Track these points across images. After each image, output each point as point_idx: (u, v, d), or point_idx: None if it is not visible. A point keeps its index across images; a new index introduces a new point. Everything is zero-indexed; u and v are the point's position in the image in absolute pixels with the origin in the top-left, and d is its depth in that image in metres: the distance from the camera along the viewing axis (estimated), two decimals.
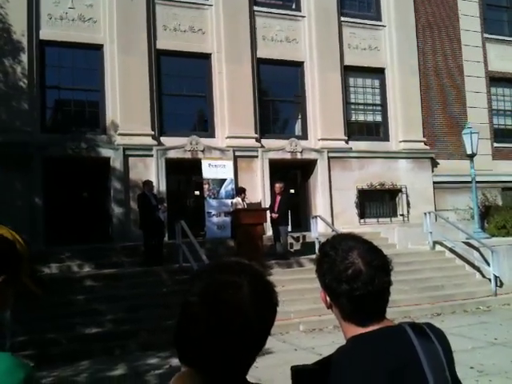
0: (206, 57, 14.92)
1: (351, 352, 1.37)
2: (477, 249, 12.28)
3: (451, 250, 12.91)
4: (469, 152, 13.82)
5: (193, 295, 1.10)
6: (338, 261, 1.41)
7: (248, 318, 1.08)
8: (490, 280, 11.64)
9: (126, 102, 13.60)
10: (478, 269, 12.22)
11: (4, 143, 12.01)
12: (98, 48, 13.84)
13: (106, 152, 13.32)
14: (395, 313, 8.80)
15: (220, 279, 1.11)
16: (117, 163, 13.29)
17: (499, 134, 18.57)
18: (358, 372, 1.31)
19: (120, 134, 13.53)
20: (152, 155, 13.66)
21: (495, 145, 18.14)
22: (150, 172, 13.53)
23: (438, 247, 13.30)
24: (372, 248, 1.45)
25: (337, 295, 1.42)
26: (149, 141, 13.74)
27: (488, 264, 11.75)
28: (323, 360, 1.39)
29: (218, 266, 1.17)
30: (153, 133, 13.86)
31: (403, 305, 10.25)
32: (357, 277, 1.38)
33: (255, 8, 15.49)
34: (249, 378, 1.18)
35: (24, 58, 12.80)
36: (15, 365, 1.16)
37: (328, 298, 1.46)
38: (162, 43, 14.41)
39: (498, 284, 11.65)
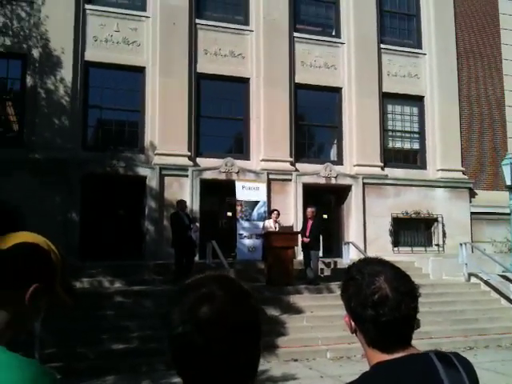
0: (245, 81, 15.14)
1: (375, 379, 1.35)
2: None
3: (486, 283, 12.55)
4: (508, 183, 13.52)
5: (176, 324, 1.11)
6: (364, 285, 1.39)
7: (233, 323, 1.09)
8: None
9: (164, 122, 13.89)
10: None
11: (46, 159, 12.42)
12: (140, 70, 14.23)
13: (142, 171, 13.59)
14: (427, 344, 8.54)
15: (195, 295, 1.12)
16: (153, 182, 13.54)
17: None
18: None
19: (157, 154, 13.79)
20: (187, 175, 13.86)
21: None
22: (185, 192, 13.71)
23: (474, 279, 12.95)
24: (399, 273, 1.43)
25: (362, 320, 1.39)
26: (185, 161, 13.96)
27: None
28: None
29: (192, 283, 1.17)
30: (189, 153, 14.07)
31: (435, 337, 10.01)
32: (383, 302, 1.36)
33: (295, 34, 15.68)
34: None
35: (66, 76, 13.27)
36: (42, 373, 1.17)
37: (353, 323, 1.44)
38: (203, 67, 14.71)
39: None
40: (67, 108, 13.23)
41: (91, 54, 13.78)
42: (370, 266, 1.44)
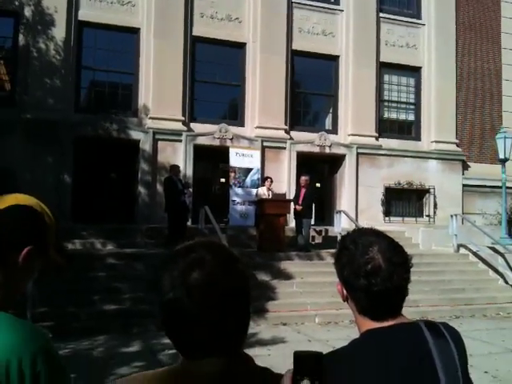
0: (241, 46, 14.95)
1: (365, 345, 1.37)
2: (502, 255, 12.08)
3: (475, 254, 12.72)
4: (501, 157, 13.58)
5: (166, 290, 1.12)
6: (358, 255, 1.40)
7: (222, 287, 1.10)
8: None
9: (158, 86, 13.74)
10: (501, 275, 11.99)
11: (37, 120, 12.29)
12: (134, 32, 14.00)
13: (136, 134, 13.50)
14: (414, 312, 8.70)
15: (185, 261, 1.13)
16: (146, 146, 13.47)
17: None
18: (371, 365, 1.31)
19: (151, 118, 13.68)
20: (181, 140, 13.79)
21: None
22: (178, 157, 13.66)
23: (463, 250, 13.11)
24: (392, 244, 1.44)
25: (354, 289, 1.41)
26: (179, 126, 13.87)
27: None
28: (334, 352, 1.39)
29: (181, 249, 1.18)
30: (183, 118, 13.97)
31: (422, 305, 10.16)
32: (376, 272, 1.37)
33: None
34: (260, 364, 1.20)
35: (59, 35, 13.02)
36: (34, 333, 1.18)
37: (345, 291, 1.46)
38: (198, 30, 14.49)
39: None
40: (60, 68, 13.03)
41: (85, 14, 13.51)
42: (364, 236, 1.45)
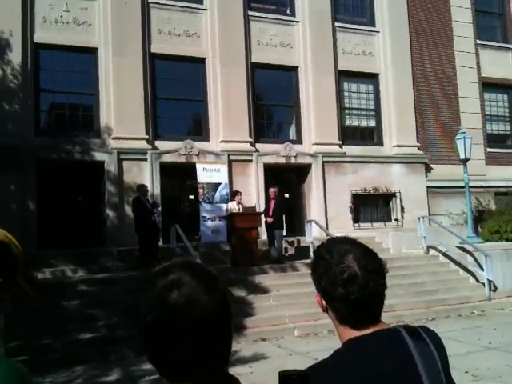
0: (201, 61, 14.93)
1: (347, 355, 1.37)
2: (471, 253, 12.34)
3: (445, 255, 12.96)
4: (462, 157, 13.88)
5: (145, 312, 1.11)
6: (334, 264, 1.41)
7: (202, 307, 1.09)
8: (483, 284, 11.69)
9: (120, 105, 13.58)
10: (472, 273, 12.26)
11: None
12: (92, 51, 13.82)
13: (100, 156, 13.29)
14: (390, 317, 8.81)
15: (163, 283, 1.12)
16: (111, 167, 13.26)
17: (492, 140, 18.70)
18: (354, 375, 1.31)
19: (114, 138, 13.49)
20: (146, 159, 13.63)
21: (488, 150, 18.26)
22: (145, 176, 13.50)
23: (432, 252, 13.35)
24: (367, 251, 1.46)
25: (332, 298, 1.42)
26: (143, 145, 13.71)
27: (482, 269, 11.80)
28: (318, 364, 1.39)
29: (159, 271, 1.17)
30: (147, 137, 13.83)
31: (398, 309, 10.28)
32: (352, 280, 1.38)
33: (250, 13, 15.52)
34: (243, 382, 1.19)
35: (15, 59, 12.73)
36: (12, 368, 1.16)
37: (324, 302, 1.46)
38: (157, 47, 14.41)
39: (492, 288, 11.71)
40: (18, 92, 12.72)
41: (41, 36, 13.26)
42: (339, 245, 1.46)
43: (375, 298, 1.41)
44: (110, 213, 13.11)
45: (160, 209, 12.53)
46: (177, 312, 1.07)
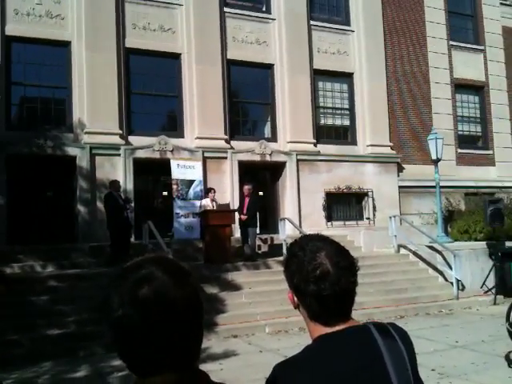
0: (176, 56, 14.84)
1: (317, 351, 1.39)
2: (440, 252, 12.54)
3: (415, 254, 13.15)
4: (433, 157, 14.09)
5: (115, 307, 1.10)
6: (306, 261, 1.42)
7: (173, 302, 1.09)
8: (452, 284, 11.88)
9: (93, 100, 13.41)
10: (440, 272, 12.47)
11: None
12: (65, 45, 13.61)
13: (72, 151, 13.11)
14: (360, 315, 8.90)
15: (134, 277, 1.12)
16: (83, 162, 13.10)
17: (463, 140, 19.02)
18: (322, 371, 1.33)
19: (87, 133, 13.33)
20: (119, 154, 13.50)
21: (459, 150, 18.57)
22: (118, 171, 13.37)
23: (403, 250, 13.53)
24: (339, 249, 1.48)
25: (304, 295, 1.43)
26: (116, 140, 13.58)
27: (450, 268, 11.99)
28: (289, 360, 1.41)
29: (130, 266, 1.16)
30: (121, 132, 13.70)
31: (368, 307, 10.40)
32: (324, 277, 1.40)
33: (226, 9, 15.48)
34: (213, 379, 1.19)
35: None
36: None
37: (295, 298, 1.48)
38: (131, 41, 14.27)
39: (460, 287, 11.91)
40: None
41: (13, 29, 13.01)
42: (312, 242, 1.48)
43: (346, 294, 1.43)
44: (81, 208, 12.95)
45: (133, 205, 12.42)
46: (147, 307, 1.07)
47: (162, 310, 1.07)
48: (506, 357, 6.58)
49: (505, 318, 6.70)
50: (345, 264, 1.43)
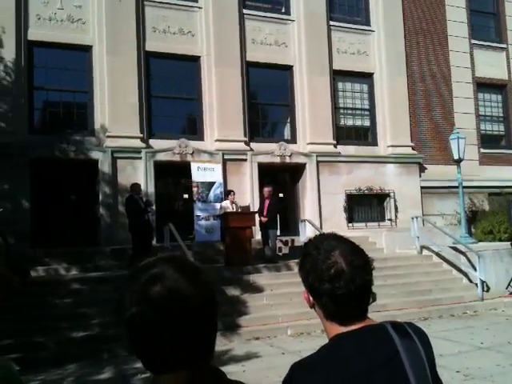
0: (196, 59, 14.91)
1: (333, 350, 1.39)
2: (464, 253, 12.39)
3: (438, 255, 13.00)
4: (456, 157, 13.92)
5: (128, 306, 1.12)
6: (321, 260, 1.42)
7: (186, 299, 1.10)
8: (476, 285, 11.73)
9: (114, 103, 13.54)
10: (464, 273, 12.31)
11: None
12: (86, 49, 13.77)
13: (94, 154, 13.25)
14: (382, 317, 8.80)
15: (146, 276, 1.13)
16: (105, 166, 13.22)
17: (486, 140, 18.76)
18: (338, 370, 1.33)
19: (108, 137, 13.45)
20: (141, 158, 13.60)
21: (482, 150, 18.32)
22: (139, 174, 13.47)
23: (426, 252, 13.38)
24: (353, 247, 1.47)
25: (319, 294, 1.43)
26: (137, 143, 13.68)
27: (475, 269, 11.85)
28: (305, 359, 1.41)
29: (143, 266, 1.17)
30: (142, 135, 13.80)
31: (391, 309, 10.32)
32: (339, 276, 1.39)
33: (244, 11, 15.50)
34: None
35: (8, 56, 12.66)
36: None
37: (311, 298, 1.47)
38: (151, 45, 14.37)
39: (485, 289, 11.76)
40: (11, 90, 12.66)
41: (34, 33, 13.20)
42: (326, 241, 1.48)
43: (362, 293, 1.42)
44: (104, 211, 13.07)
45: (154, 208, 12.50)
46: (159, 304, 1.08)
47: (175, 308, 1.09)
48: None
49: None
50: (359, 263, 1.43)
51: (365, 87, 17.14)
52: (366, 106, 17.09)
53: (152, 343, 1.09)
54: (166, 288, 1.09)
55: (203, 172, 13.83)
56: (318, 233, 12.65)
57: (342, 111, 16.77)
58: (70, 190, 13.29)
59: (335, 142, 16.01)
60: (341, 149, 16.03)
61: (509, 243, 12.91)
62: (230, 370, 6.78)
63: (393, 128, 16.75)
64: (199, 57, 14.89)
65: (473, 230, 14.90)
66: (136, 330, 1.10)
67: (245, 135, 14.90)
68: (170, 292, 1.09)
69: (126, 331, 1.12)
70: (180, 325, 1.08)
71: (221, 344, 8.48)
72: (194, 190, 13.67)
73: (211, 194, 13.79)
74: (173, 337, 1.08)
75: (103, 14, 13.75)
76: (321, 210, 15.27)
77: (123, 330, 1.13)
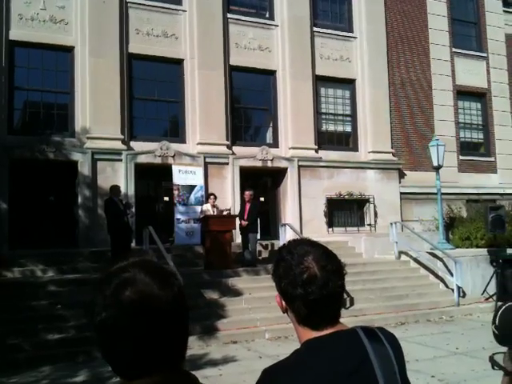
0: (179, 62, 14.89)
1: (305, 356, 1.39)
2: (441, 259, 12.51)
3: (416, 260, 13.12)
4: (435, 164, 14.08)
5: (99, 310, 1.11)
6: (294, 265, 1.43)
7: (156, 303, 1.10)
8: (453, 290, 11.84)
9: (95, 105, 13.46)
10: (441, 279, 12.44)
11: None
12: (68, 50, 13.68)
13: (74, 156, 13.15)
14: (360, 321, 8.87)
15: (117, 280, 1.13)
16: (85, 167, 13.13)
17: (465, 147, 19.02)
18: (310, 375, 1.34)
19: (89, 138, 13.36)
20: (121, 160, 13.52)
21: (461, 157, 18.56)
22: (119, 177, 13.39)
23: (404, 257, 13.50)
24: (327, 252, 1.48)
25: (292, 299, 1.43)
26: (118, 145, 13.61)
27: (451, 274, 11.96)
28: (277, 364, 1.42)
29: (114, 270, 1.17)
30: (122, 137, 13.73)
31: (368, 313, 10.37)
32: (312, 281, 1.40)
33: (229, 15, 15.53)
34: None
35: None
36: None
37: (283, 302, 1.48)
38: (135, 47, 14.33)
39: (461, 294, 11.88)
40: None
41: (16, 33, 13.07)
42: (300, 246, 1.49)
43: (334, 298, 1.43)
44: (82, 213, 12.97)
45: (133, 210, 12.44)
46: (130, 308, 1.08)
47: (145, 312, 1.08)
48: (490, 358, 6.55)
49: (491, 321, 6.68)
50: (332, 268, 1.44)
51: (347, 93, 17.26)
52: (348, 112, 17.21)
53: (122, 348, 1.08)
54: (136, 292, 1.09)
55: (184, 175, 13.81)
56: (298, 237, 12.74)
57: (324, 116, 16.87)
58: (49, 191, 13.16)
59: (317, 147, 16.10)
60: (322, 154, 16.12)
61: (485, 250, 13.09)
62: (207, 374, 6.77)
63: (374, 134, 16.89)
64: (182, 60, 14.88)
65: (450, 236, 15.05)
66: (106, 335, 1.10)
67: (227, 139, 14.91)
68: (141, 296, 1.09)
69: (96, 335, 1.12)
70: (151, 329, 1.08)
71: (198, 347, 8.48)
72: (175, 192, 13.64)
73: (192, 197, 13.77)
74: (143, 341, 1.08)
75: (86, 15, 13.67)
76: (301, 215, 15.32)
77: (94, 334, 1.13)
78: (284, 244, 1.55)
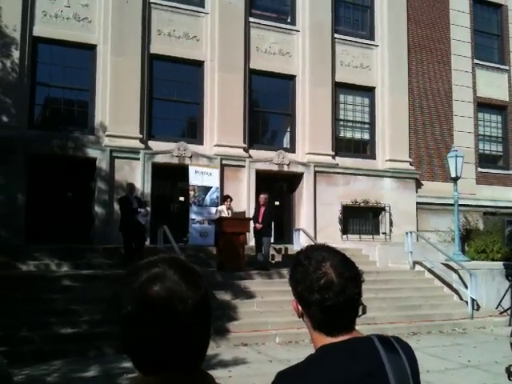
0: (199, 64, 14.97)
1: (319, 361, 1.39)
2: (456, 271, 12.39)
3: (430, 271, 13.00)
4: (453, 175, 13.95)
5: (125, 303, 1.11)
6: (311, 270, 1.43)
7: (183, 302, 1.09)
8: (466, 302, 11.71)
9: (115, 103, 13.57)
10: (455, 291, 12.31)
11: None
12: (91, 48, 13.82)
13: (92, 152, 13.26)
14: (372, 330, 8.77)
15: (146, 275, 1.12)
16: (103, 164, 13.24)
17: (484, 159, 18.85)
18: (324, 379, 1.33)
19: (108, 136, 13.48)
20: (139, 158, 13.62)
21: (479, 170, 18.39)
22: (136, 175, 13.48)
23: (418, 267, 13.38)
24: (344, 259, 1.48)
25: (308, 304, 1.43)
26: (136, 144, 13.71)
27: (466, 287, 11.85)
28: (290, 368, 1.41)
29: (143, 264, 1.17)
30: (141, 136, 13.82)
31: (380, 322, 10.30)
32: (328, 287, 1.40)
33: (251, 19, 15.59)
34: None
35: (15, 53, 12.74)
36: None
37: (300, 307, 1.48)
38: (156, 47, 14.44)
39: (475, 307, 11.74)
40: (14, 85, 12.70)
41: (40, 30, 13.26)
42: (317, 252, 1.48)
43: (350, 305, 1.43)
44: (99, 210, 13.07)
45: (149, 209, 12.48)
46: (156, 304, 1.08)
47: (172, 309, 1.08)
48: (507, 369, 6.44)
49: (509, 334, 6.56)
50: (349, 275, 1.43)
51: (366, 100, 17.21)
52: (366, 120, 17.16)
53: (145, 343, 1.08)
54: (165, 288, 1.09)
55: (201, 176, 13.85)
56: (312, 242, 12.70)
57: (342, 123, 16.83)
58: (67, 186, 13.30)
59: (334, 154, 16.06)
60: (339, 160, 16.08)
61: (501, 263, 12.93)
62: (217, 375, 6.68)
63: (391, 142, 16.81)
64: (203, 62, 14.95)
65: (466, 248, 14.91)
66: (130, 329, 1.10)
67: (244, 142, 14.93)
68: (169, 293, 1.09)
69: (119, 328, 1.12)
70: (175, 328, 1.08)
71: (209, 348, 8.44)
72: (191, 193, 13.69)
73: (207, 198, 13.80)
74: (166, 338, 1.07)
75: (109, 14, 13.82)
76: (316, 220, 15.28)
77: (118, 327, 1.12)
78: (302, 249, 1.55)
